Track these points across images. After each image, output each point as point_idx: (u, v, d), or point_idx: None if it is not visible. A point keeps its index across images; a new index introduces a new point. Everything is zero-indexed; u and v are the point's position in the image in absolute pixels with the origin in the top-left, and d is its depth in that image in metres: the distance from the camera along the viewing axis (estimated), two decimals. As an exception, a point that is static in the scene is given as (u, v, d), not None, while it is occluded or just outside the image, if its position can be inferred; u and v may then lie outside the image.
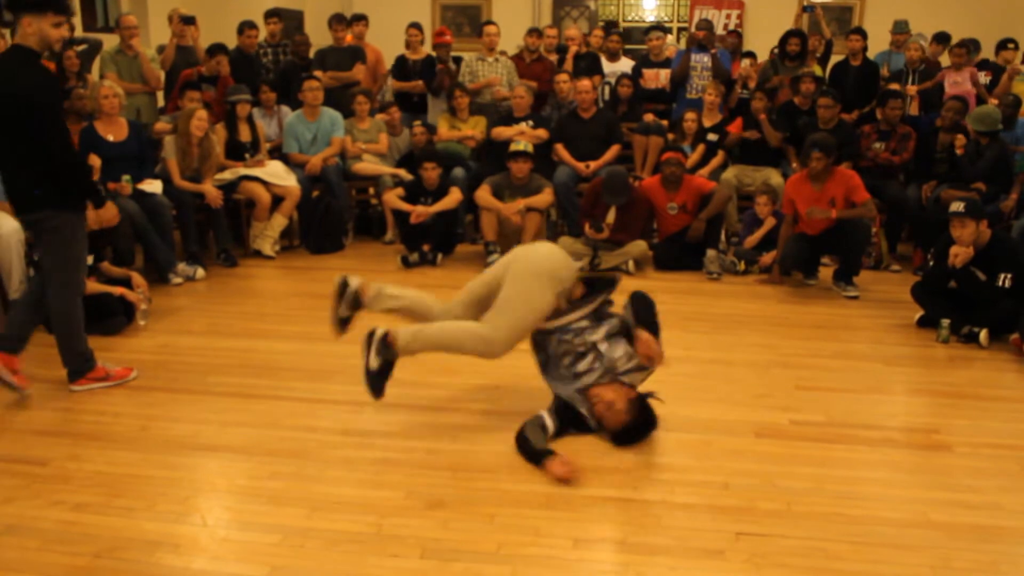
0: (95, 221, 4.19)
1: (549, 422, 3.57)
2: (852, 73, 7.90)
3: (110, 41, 7.72)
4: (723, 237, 6.70)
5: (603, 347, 3.60)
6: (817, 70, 8.06)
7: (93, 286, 5.08)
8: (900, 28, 8.45)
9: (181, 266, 6.25)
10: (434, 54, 8.31)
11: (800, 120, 7.04)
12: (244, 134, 7.03)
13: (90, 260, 5.14)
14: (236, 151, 6.96)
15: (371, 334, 3.61)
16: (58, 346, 4.24)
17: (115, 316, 5.14)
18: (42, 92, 3.83)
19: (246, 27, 7.94)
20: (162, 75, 7.69)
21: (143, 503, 3.19)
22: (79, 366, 4.24)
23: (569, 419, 3.63)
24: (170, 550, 2.89)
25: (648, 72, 8.28)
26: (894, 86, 7.35)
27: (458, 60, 8.47)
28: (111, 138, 6.17)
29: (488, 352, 3.63)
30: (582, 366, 3.62)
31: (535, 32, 8.42)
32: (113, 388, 4.27)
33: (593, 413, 3.59)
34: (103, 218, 4.24)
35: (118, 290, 5.15)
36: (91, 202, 4.16)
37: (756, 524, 3.00)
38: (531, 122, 7.31)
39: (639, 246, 6.36)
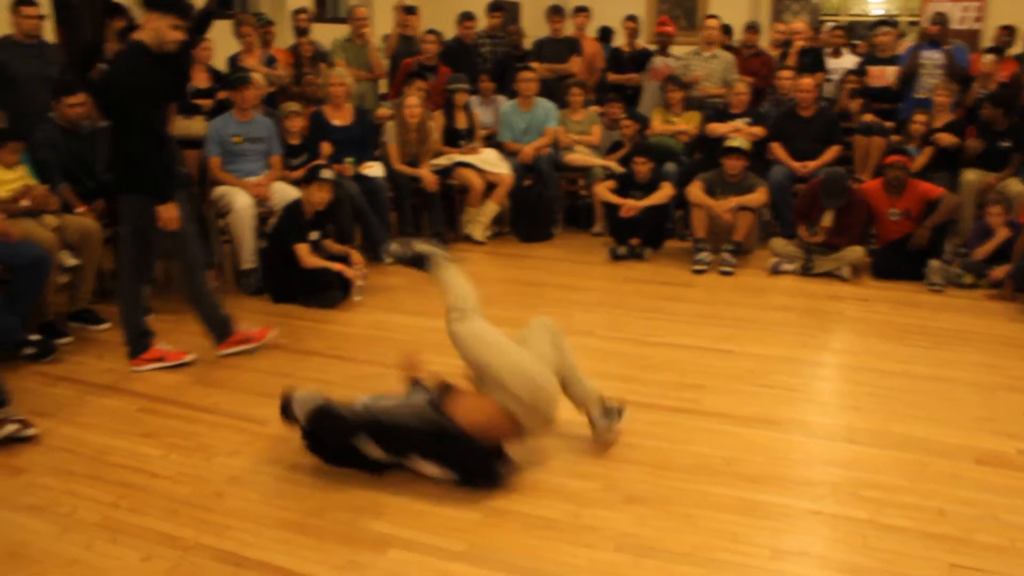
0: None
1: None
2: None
3: (340, 31, 8.13)
4: (948, 247, 6.31)
5: None
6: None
7: (314, 261, 5.40)
8: None
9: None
10: (651, 47, 8.26)
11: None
12: (461, 122, 7.23)
13: (315, 236, 5.47)
14: (452, 138, 7.18)
15: None
16: (120, 321, 4.46)
17: (333, 290, 5.42)
18: (139, 87, 3.98)
19: (464, 18, 8.16)
20: (386, 63, 8.02)
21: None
22: (136, 343, 4.43)
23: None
24: (374, 516, 3.04)
25: (873, 69, 7.88)
26: None
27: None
28: (338, 122, 6.54)
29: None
30: None
31: (753, 27, 8.20)
32: (327, 359, 4.53)
33: None
34: (164, 217, 4.19)
35: (337, 266, 5.43)
36: (156, 197, 4.18)
37: (974, 557, 2.81)
38: (748, 119, 7.14)
39: (856, 252, 6.08)
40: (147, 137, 4.06)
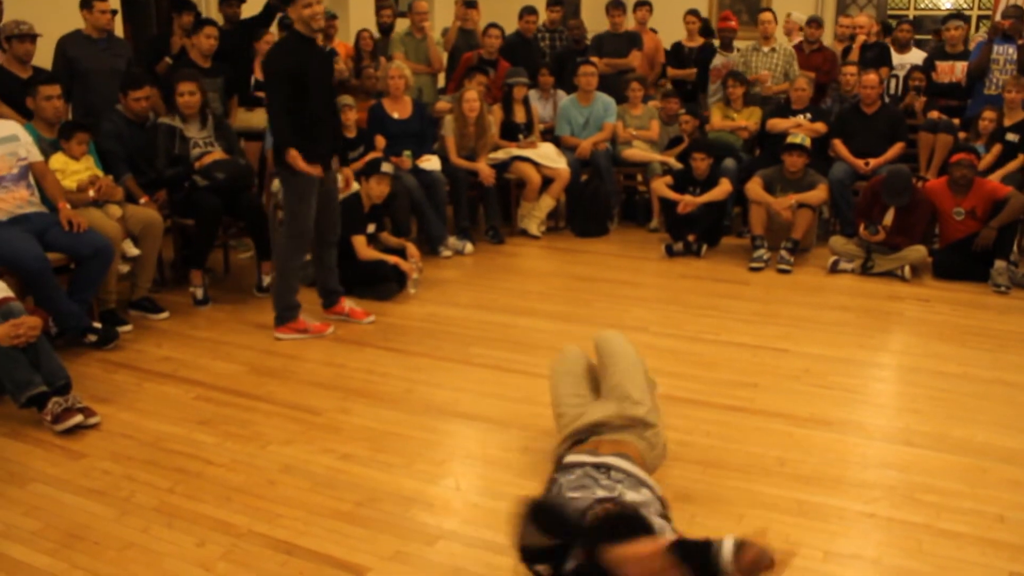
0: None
1: None
2: None
3: (402, 25, 8.18)
4: (1015, 248, 6.14)
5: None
6: None
7: (371, 253, 5.45)
8: None
9: (452, 240, 6.54)
10: (715, 42, 8.17)
11: None
12: (519, 115, 7.23)
13: (372, 229, 5.52)
14: (511, 132, 7.18)
15: None
16: (272, 291, 4.79)
17: (388, 283, 5.46)
18: (304, 68, 4.37)
19: (526, 12, 8.14)
20: (445, 57, 8.05)
21: (403, 460, 3.39)
22: (283, 313, 4.74)
23: None
24: (424, 508, 3.05)
25: (942, 65, 7.70)
26: None
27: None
28: (396, 115, 6.58)
29: None
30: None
31: (814, 22, 8.08)
32: (381, 351, 4.57)
33: None
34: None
35: (392, 259, 5.47)
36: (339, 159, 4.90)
37: (1034, 565, 2.74)
38: (809, 115, 7.03)
39: (918, 251, 5.95)
40: (322, 112, 4.55)
